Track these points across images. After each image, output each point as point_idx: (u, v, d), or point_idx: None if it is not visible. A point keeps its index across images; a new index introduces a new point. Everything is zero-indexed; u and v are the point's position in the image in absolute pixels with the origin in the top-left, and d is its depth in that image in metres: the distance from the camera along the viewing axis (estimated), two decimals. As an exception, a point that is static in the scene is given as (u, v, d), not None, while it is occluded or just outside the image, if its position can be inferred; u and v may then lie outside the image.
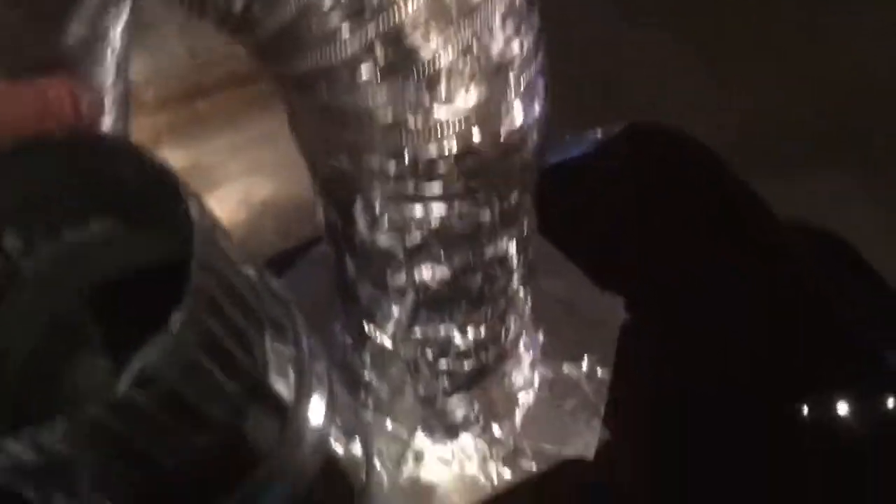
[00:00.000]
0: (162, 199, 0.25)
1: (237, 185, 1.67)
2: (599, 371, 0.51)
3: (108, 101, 0.58)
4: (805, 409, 0.53)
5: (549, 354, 0.51)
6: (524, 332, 0.49)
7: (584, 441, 0.48)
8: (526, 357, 0.50)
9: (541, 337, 0.52)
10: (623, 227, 0.60)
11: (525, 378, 0.50)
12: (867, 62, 1.45)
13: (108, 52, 0.52)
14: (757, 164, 0.75)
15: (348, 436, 0.41)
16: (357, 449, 0.41)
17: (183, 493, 0.30)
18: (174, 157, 1.67)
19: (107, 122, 0.60)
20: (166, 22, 1.65)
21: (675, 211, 0.61)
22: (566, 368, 0.51)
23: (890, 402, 0.54)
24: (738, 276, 0.58)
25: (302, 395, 0.32)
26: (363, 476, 0.41)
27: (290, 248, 0.58)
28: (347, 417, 0.41)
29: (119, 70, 0.55)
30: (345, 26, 0.31)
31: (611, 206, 0.61)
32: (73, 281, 0.32)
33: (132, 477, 0.26)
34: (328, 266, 0.49)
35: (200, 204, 0.26)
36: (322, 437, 0.34)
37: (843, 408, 0.53)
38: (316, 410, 0.33)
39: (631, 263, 0.58)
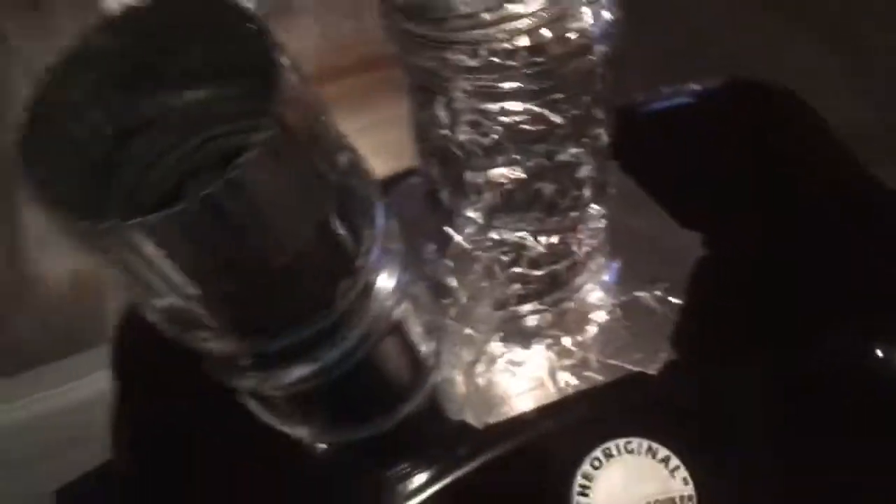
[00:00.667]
0: (258, 52, 0.30)
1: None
2: (671, 298, 0.53)
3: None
4: (881, 353, 0.53)
5: (625, 281, 0.54)
6: (600, 254, 0.52)
7: (650, 359, 0.51)
8: (602, 279, 0.53)
9: (618, 265, 0.54)
10: (711, 172, 0.62)
11: (599, 298, 0.53)
12: None
13: None
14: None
15: (430, 335, 0.46)
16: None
17: (272, 310, 0.34)
18: (306, 138, 1.76)
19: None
20: (303, 7, 1.76)
21: (767, 162, 0.63)
22: (640, 293, 0.54)
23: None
24: (827, 231, 0.59)
25: (368, 259, 0.36)
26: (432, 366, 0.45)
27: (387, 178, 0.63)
28: (429, 318, 0.46)
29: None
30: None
31: (702, 153, 0.63)
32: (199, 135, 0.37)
33: (221, 277, 0.31)
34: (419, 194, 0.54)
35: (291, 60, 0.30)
36: (387, 306, 0.38)
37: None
38: (384, 279, 0.38)
39: (716, 207, 0.60)
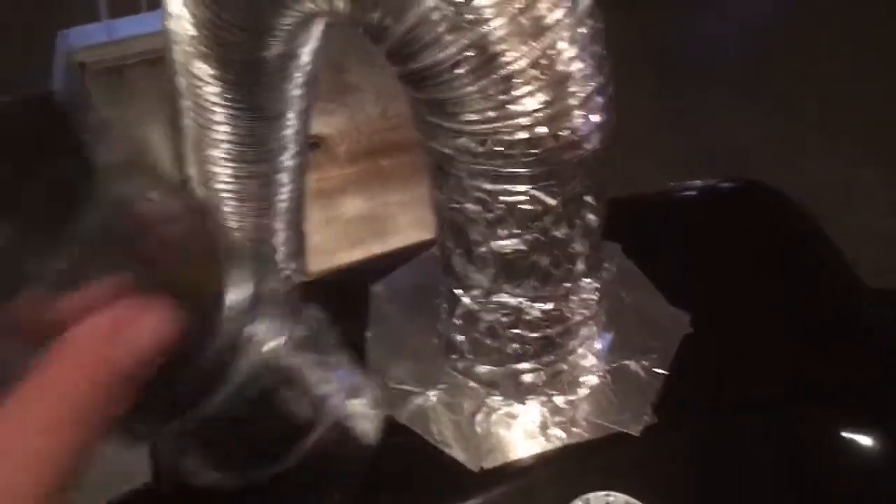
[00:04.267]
0: None
1: (403, 237, 1.86)
2: (657, 369, 0.59)
3: (293, 113, 0.74)
4: (846, 435, 0.58)
5: (616, 350, 0.61)
6: (594, 323, 0.58)
7: (634, 421, 0.57)
8: (594, 347, 0.59)
9: (611, 335, 0.61)
10: (706, 260, 0.68)
11: (590, 364, 0.59)
12: None
13: (297, 71, 0.67)
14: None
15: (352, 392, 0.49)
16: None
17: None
18: (355, 206, 1.87)
19: (290, 131, 0.76)
20: (367, 85, 1.87)
21: (756, 255, 0.69)
22: (628, 362, 0.60)
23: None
24: (801, 318, 0.65)
25: (233, 319, 0.39)
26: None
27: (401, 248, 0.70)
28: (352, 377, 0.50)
29: (306, 88, 0.70)
30: (447, 35, 0.43)
31: (698, 243, 0.70)
32: None
33: None
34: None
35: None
36: (264, 358, 0.41)
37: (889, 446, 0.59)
38: (261, 334, 0.41)
39: (707, 291, 0.66)
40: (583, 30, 0.45)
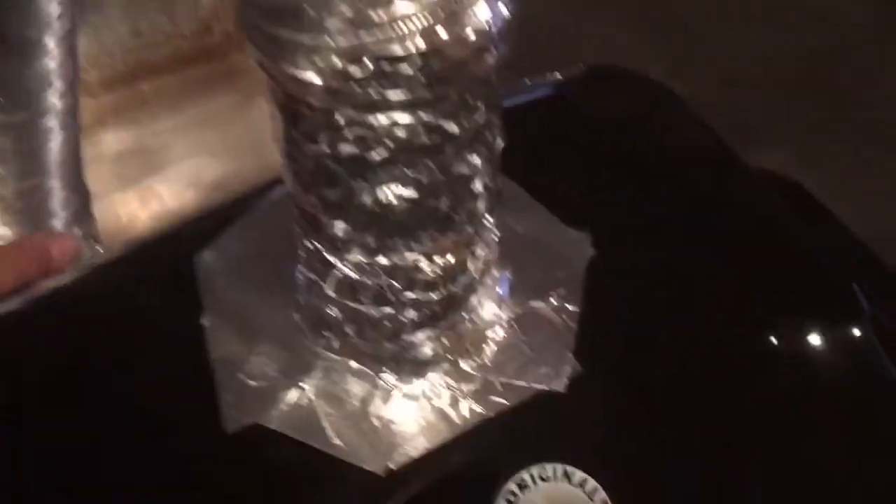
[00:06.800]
0: None
1: (184, 166, 1.65)
2: (568, 306, 0.50)
3: (53, 40, 0.57)
4: (777, 341, 0.52)
5: (517, 291, 0.50)
6: (494, 268, 0.48)
7: (556, 374, 0.47)
8: (493, 293, 0.49)
9: (508, 274, 0.50)
10: (587, 166, 0.59)
11: (493, 314, 0.49)
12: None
13: None
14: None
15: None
16: None
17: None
18: (119, 139, 1.64)
19: (52, 64, 0.59)
20: (110, 1, 1.63)
21: (634, 150, 0.61)
22: (534, 304, 0.50)
23: (858, 333, 0.54)
24: (701, 214, 0.58)
25: None
26: None
27: (245, 193, 0.56)
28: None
29: (66, 3, 0.53)
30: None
31: (569, 145, 0.60)
32: None
33: None
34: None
35: None
36: None
37: (814, 339, 0.53)
38: None
39: (591, 202, 0.57)
40: None
